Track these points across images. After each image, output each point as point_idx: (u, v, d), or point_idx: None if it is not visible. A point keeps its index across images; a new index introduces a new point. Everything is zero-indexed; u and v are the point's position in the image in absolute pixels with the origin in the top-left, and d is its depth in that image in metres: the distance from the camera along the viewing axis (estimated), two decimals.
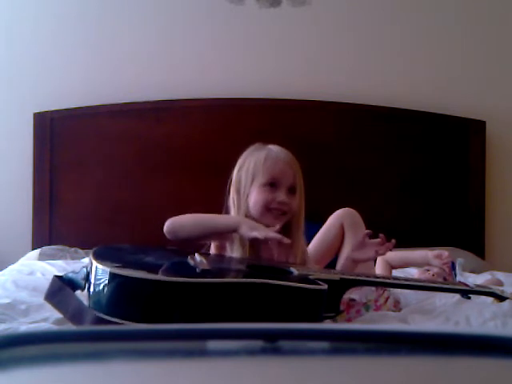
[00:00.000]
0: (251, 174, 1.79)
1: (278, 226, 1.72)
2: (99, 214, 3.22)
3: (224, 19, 3.34)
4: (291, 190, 1.79)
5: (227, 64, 3.35)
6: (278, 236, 1.63)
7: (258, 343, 0.60)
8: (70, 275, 1.59)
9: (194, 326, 0.61)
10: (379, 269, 2.35)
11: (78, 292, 1.56)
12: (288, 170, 1.79)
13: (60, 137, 3.22)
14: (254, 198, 1.77)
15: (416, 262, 2.45)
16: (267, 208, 1.77)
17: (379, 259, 2.37)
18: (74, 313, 1.51)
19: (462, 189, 3.37)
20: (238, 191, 1.81)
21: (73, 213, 3.22)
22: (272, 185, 1.77)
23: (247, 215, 1.78)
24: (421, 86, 3.40)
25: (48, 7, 3.30)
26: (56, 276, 1.64)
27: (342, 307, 1.73)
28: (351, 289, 1.81)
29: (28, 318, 1.72)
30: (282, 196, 1.76)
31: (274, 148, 1.83)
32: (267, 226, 1.74)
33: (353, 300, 1.87)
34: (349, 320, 1.82)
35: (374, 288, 1.92)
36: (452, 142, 3.39)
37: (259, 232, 1.63)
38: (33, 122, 3.20)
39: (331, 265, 2.10)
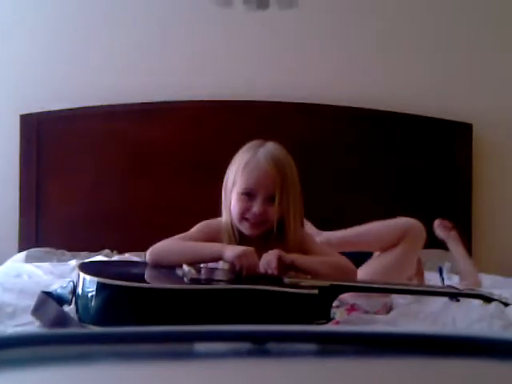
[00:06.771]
0: (232, 180, 1.77)
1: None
2: (87, 217, 3.20)
3: (212, 22, 3.33)
4: (270, 199, 1.72)
5: (216, 66, 3.34)
6: (257, 264, 1.61)
7: (245, 345, 0.60)
8: (59, 291, 1.61)
9: (181, 328, 0.61)
10: None
11: (65, 307, 1.56)
12: (266, 179, 1.72)
13: (47, 138, 3.20)
14: (233, 204, 1.76)
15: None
16: (243, 217, 1.74)
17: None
18: (56, 320, 1.51)
19: (449, 191, 3.37)
20: (225, 192, 1.81)
21: (60, 215, 3.20)
22: (249, 194, 1.73)
23: (230, 218, 1.78)
24: (407, 89, 3.41)
25: (36, 7, 3.28)
26: (43, 292, 1.65)
27: (345, 311, 1.75)
28: (360, 296, 1.82)
29: (14, 321, 1.71)
30: (256, 207, 1.71)
31: (262, 151, 1.77)
32: (246, 235, 1.75)
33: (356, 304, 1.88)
34: None
35: (381, 300, 1.94)
36: (439, 144, 3.40)
37: (244, 260, 1.61)
38: (19, 124, 3.18)
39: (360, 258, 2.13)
